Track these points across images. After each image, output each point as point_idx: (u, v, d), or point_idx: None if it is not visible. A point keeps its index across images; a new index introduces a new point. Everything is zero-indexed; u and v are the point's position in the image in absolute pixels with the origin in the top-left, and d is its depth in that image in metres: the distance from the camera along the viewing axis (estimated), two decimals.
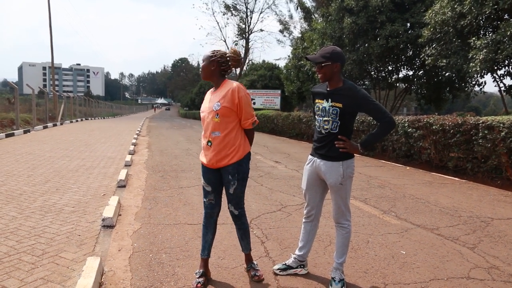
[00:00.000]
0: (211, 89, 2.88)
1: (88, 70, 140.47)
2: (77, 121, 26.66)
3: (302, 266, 3.07)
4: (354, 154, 2.83)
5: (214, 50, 2.76)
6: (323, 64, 2.71)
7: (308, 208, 3.01)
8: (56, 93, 26.48)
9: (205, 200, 2.88)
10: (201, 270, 2.85)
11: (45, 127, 17.79)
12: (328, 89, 2.79)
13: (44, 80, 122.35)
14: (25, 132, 14.46)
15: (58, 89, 67.62)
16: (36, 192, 5.29)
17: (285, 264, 3.08)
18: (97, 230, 3.88)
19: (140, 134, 16.80)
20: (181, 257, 3.30)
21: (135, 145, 11.58)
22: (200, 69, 2.82)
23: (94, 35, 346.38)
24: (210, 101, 2.77)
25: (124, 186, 5.93)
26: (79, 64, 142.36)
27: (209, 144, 2.74)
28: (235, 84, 2.70)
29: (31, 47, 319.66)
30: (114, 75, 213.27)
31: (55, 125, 20.09)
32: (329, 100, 2.76)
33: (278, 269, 3.06)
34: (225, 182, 2.79)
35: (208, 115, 2.74)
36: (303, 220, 3.08)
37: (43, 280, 2.77)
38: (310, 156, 2.94)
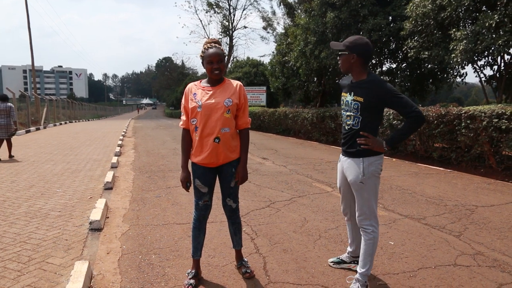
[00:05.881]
0: (196, 84, 2.75)
1: (70, 72, 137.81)
2: (61, 124, 26.19)
3: (355, 262, 2.97)
4: (381, 152, 2.59)
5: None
6: (340, 53, 2.60)
7: (342, 206, 2.93)
8: (38, 97, 25.96)
9: (200, 202, 2.80)
10: (194, 271, 2.84)
11: (27, 132, 17.44)
12: (352, 81, 2.63)
13: (25, 83, 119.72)
14: None
15: (40, 92, 66.25)
16: (20, 198, 5.18)
17: (339, 258, 3.09)
18: (85, 234, 3.83)
19: (126, 135, 16.60)
20: (171, 257, 3.28)
21: (121, 147, 11.44)
22: (219, 65, 2.62)
23: (76, 36, 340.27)
24: (214, 97, 2.63)
25: (111, 188, 5.86)
26: (61, 66, 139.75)
27: (217, 141, 2.62)
28: (238, 82, 2.75)
29: (10, 49, 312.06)
30: (98, 76, 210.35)
31: (38, 129, 19.71)
32: (352, 93, 2.59)
33: (332, 261, 3.08)
34: (227, 176, 2.76)
35: (216, 111, 2.61)
36: (344, 218, 3.01)
37: (30, 287, 2.72)
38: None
